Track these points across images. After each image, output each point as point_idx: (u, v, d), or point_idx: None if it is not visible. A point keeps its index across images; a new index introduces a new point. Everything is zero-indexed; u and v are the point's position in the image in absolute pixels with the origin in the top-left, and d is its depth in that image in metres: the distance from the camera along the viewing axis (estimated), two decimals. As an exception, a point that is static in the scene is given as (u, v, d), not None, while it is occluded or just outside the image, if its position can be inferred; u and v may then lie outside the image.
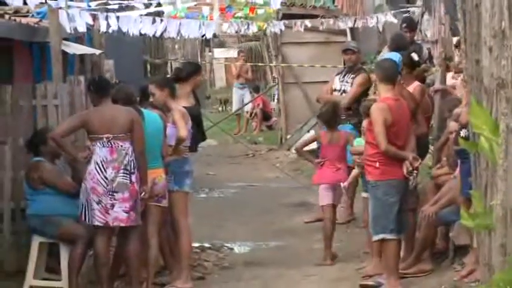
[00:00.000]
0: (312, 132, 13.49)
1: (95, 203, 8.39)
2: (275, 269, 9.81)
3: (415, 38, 11.71)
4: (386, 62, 8.76)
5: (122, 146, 8.48)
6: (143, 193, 8.51)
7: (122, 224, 8.49)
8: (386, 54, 9.75)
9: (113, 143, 8.47)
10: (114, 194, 8.41)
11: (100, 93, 8.71)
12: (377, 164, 8.29)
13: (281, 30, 16.78)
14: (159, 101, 9.14)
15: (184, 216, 9.18)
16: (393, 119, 8.25)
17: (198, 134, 9.72)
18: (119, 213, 8.42)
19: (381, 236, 8.35)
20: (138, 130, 8.50)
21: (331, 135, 10.23)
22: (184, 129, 9.03)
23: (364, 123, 9.14)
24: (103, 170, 8.43)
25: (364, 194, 9.53)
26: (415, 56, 9.51)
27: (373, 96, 9.90)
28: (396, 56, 8.84)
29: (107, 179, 8.41)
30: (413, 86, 9.24)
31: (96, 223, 8.43)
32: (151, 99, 9.19)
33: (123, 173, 8.45)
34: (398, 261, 8.50)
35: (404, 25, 11.78)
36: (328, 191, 10.19)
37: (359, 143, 9.34)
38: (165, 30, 12.39)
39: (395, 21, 15.46)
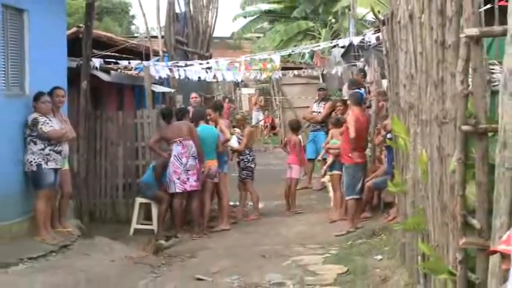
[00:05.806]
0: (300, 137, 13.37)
1: (176, 179, 8.51)
2: (278, 217, 9.77)
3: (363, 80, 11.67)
4: (357, 94, 8.86)
5: (187, 143, 8.57)
6: (202, 169, 8.65)
7: (194, 188, 8.60)
8: (349, 91, 9.76)
9: (183, 143, 8.55)
10: (188, 171, 8.53)
11: (167, 118, 8.88)
12: (350, 154, 8.32)
13: (280, 76, 16.82)
14: (214, 118, 9.26)
15: (225, 187, 9.21)
16: (359, 125, 8.30)
17: None
18: (192, 182, 8.55)
19: (353, 196, 8.32)
20: (193, 133, 8.65)
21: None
22: (228, 134, 9.18)
23: (332, 130, 9.36)
24: (179, 159, 8.54)
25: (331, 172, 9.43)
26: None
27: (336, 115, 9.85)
28: (359, 92, 9.07)
29: (182, 163, 8.52)
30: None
31: (178, 190, 8.54)
32: (208, 117, 9.30)
33: (192, 158, 8.55)
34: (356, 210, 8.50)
35: (362, 74, 11.86)
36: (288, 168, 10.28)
37: (334, 142, 9.28)
38: (214, 76, 12.44)
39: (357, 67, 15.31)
